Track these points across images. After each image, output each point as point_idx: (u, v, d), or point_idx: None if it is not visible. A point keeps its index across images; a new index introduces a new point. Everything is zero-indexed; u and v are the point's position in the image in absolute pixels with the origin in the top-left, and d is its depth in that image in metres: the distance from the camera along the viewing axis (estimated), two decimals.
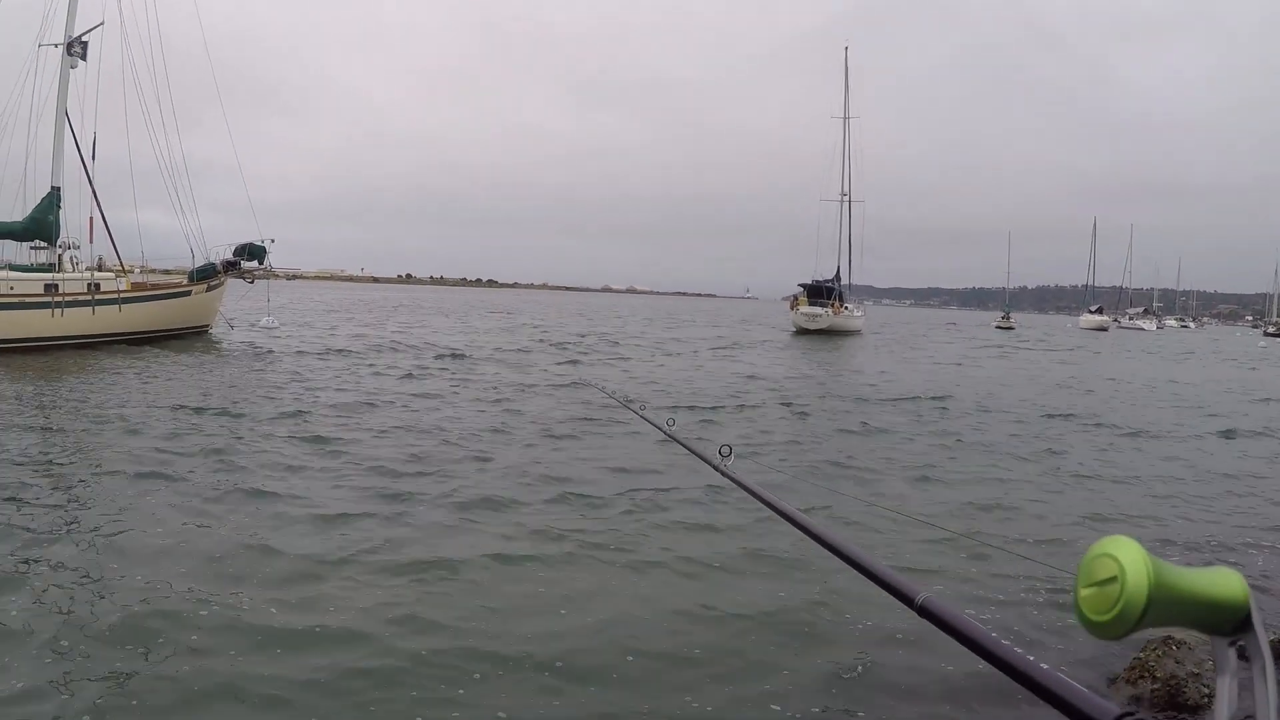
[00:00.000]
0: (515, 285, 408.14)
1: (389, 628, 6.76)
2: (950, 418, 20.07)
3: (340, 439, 14.20)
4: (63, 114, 31.27)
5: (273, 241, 37.62)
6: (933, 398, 23.33)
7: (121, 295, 31.28)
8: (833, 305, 61.99)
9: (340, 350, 31.33)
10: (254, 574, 7.78)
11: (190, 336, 34.14)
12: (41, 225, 30.90)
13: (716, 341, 49.34)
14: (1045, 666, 1.20)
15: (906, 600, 1.57)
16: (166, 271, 38.61)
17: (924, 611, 1.50)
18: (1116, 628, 0.84)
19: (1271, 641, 0.89)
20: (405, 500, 10.54)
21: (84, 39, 31.67)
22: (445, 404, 19.04)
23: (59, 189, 31.35)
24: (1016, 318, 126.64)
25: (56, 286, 29.05)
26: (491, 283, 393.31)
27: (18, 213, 31.05)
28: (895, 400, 22.77)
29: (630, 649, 6.57)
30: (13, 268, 29.73)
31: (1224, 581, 0.87)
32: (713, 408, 20.13)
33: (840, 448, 15.76)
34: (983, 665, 1.33)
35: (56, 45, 31.32)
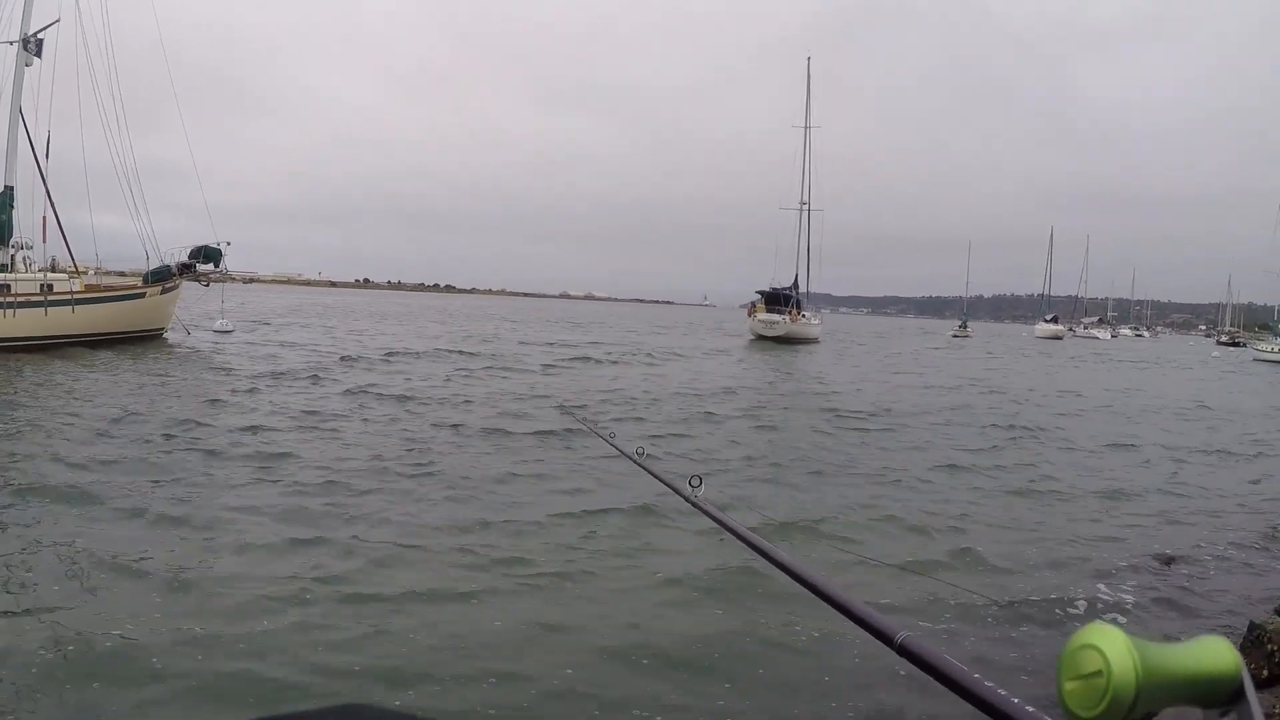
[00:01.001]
0: (473, 290, 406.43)
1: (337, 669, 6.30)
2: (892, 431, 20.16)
3: (287, 454, 13.67)
4: (17, 112, 30.85)
5: (228, 244, 37.28)
6: (883, 411, 23.36)
7: (75, 296, 30.77)
8: (790, 313, 62.15)
9: (286, 370, 30.71)
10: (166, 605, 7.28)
11: (145, 339, 33.71)
12: None
13: (673, 348, 49.53)
14: (1030, 708, 1.16)
15: (886, 640, 1.52)
16: (121, 274, 38.11)
17: (903, 650, 1.46)
18: None
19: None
20: (350, 523, 10.00)
21: (39, 36, 31.23)
22: (391, 422, 18.54)
23: (12, 188, 30.90)
24: (973, 326, 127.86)
25: (9, 287, 28.65)
26: (449, 288, 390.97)
27: None
28: (855, 413, 22.84)
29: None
30: None
31: (1213, 653, 0.85)
32: (679, 419, 20.00)
33: (805, 458, 15.77)
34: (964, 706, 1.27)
35: (11, 42, 30.87)
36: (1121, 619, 7.66)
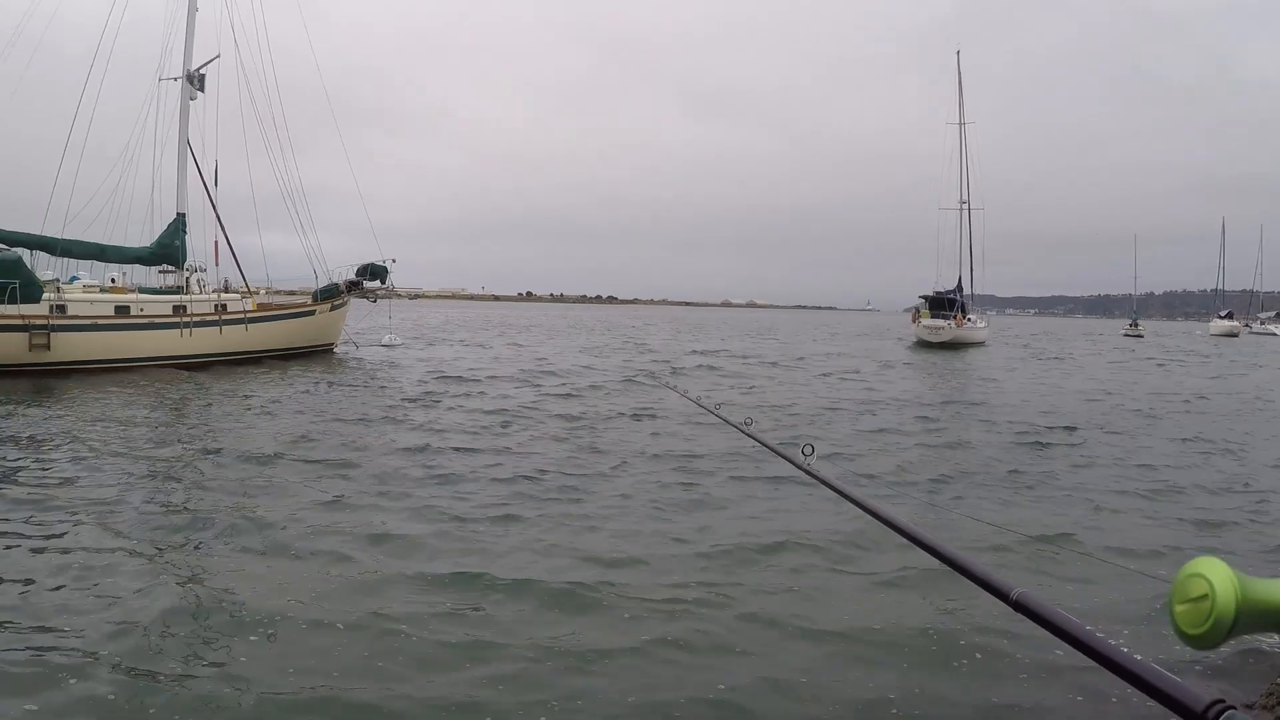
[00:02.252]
0: (634, 301, 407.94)
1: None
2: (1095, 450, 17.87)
3: (461, 469, 13.23)
4: (184, 143, 31.89)
5: (394, 261, 37.95)
6: (1064, 427, 20.23)
7: (247, 315, 31.66)
8: (955, 317, 59.61)
9: (458, 376, 30.26)
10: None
11: (315, 354, 34.35)
12: (169, 250, 31.46)
13: (838, 354, 47.85)
14: (1139, 657, 1.19)
15: (1002, 595, 1.55)
16: (291, 292, 39.01)
17: (1019, 606, 1.48)
18: (1210, 640, 0.89)
19: None
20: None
21: (201, 71, 32.35)
22: (564, 435, 17.99)
23: (184, 215, 31.95)
24: (1144, 324, 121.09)
25: (185, 308, 29.54)
26: (611, 299, 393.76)
27: (146, 238, 31.73)
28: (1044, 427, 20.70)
29: None
30: (143, 290, 30.25)
31: None
32: (853, 432, 18.55)
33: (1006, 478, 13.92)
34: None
35: (176, 79, 32.02)
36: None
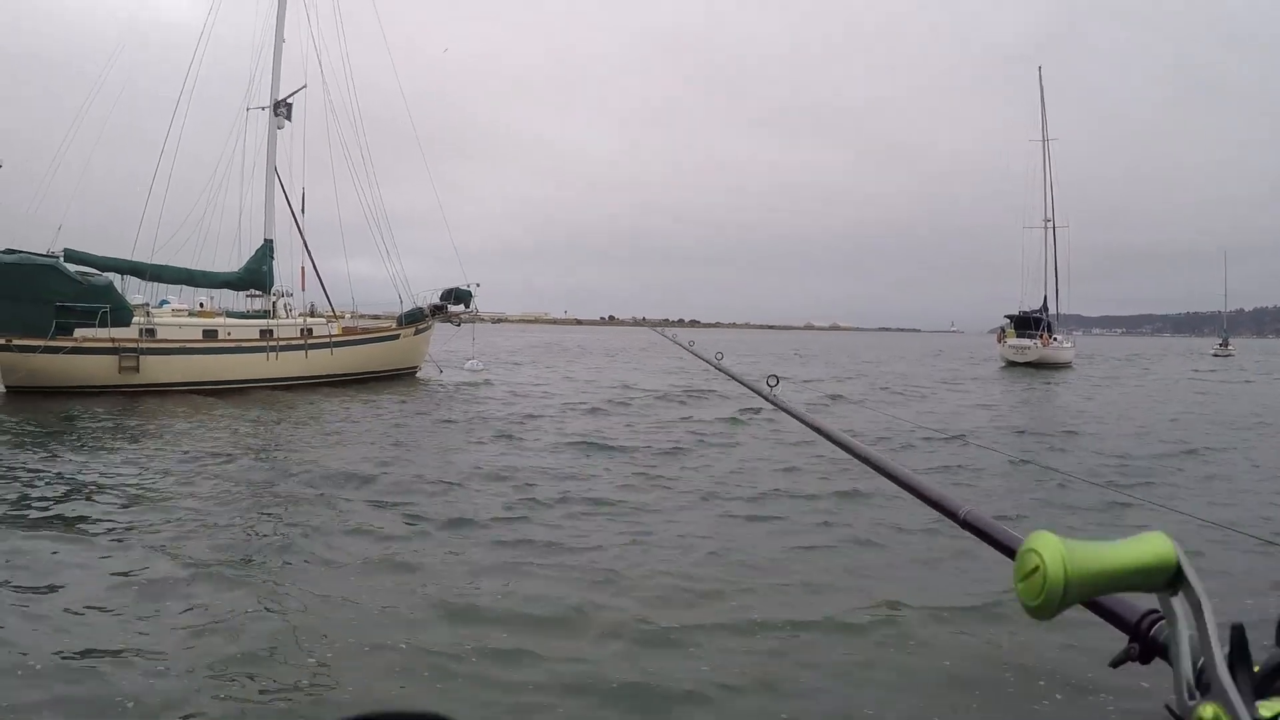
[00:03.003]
0: (716, 324, 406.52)
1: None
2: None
3: (548, 494, 12.65)
4: (272, 171, 32.47)
5: (478, 286, 37.90)
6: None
7: (333, 339, 31.84)
8: (1041, 337, 58.17)
9: (538, 400, 29.74)
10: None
11: (399, 378, 34.41)
12: (256, 275, 32.04)
13: (924, 378, 46.70)
14: None
15: (950, 514, 1.56)
16: (375, 316, 39.22)
17: (966, 524, 1.50)
18: (1047, 610, 0.90)
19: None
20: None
21: (288, 101, 32.88)
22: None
23: (271, 241, 32.47)
24: (1235, 343, 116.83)
25: (272, 332, 29.87)
26: (694, 323, 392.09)
27: (234, 264, 32.27)
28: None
29: None
30: (231, 315, 30.66)
31: (1149, 545, 0.93)
32: (946, 461, 16.79)
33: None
34: None
35: (263, 108, 32.60)
36: None
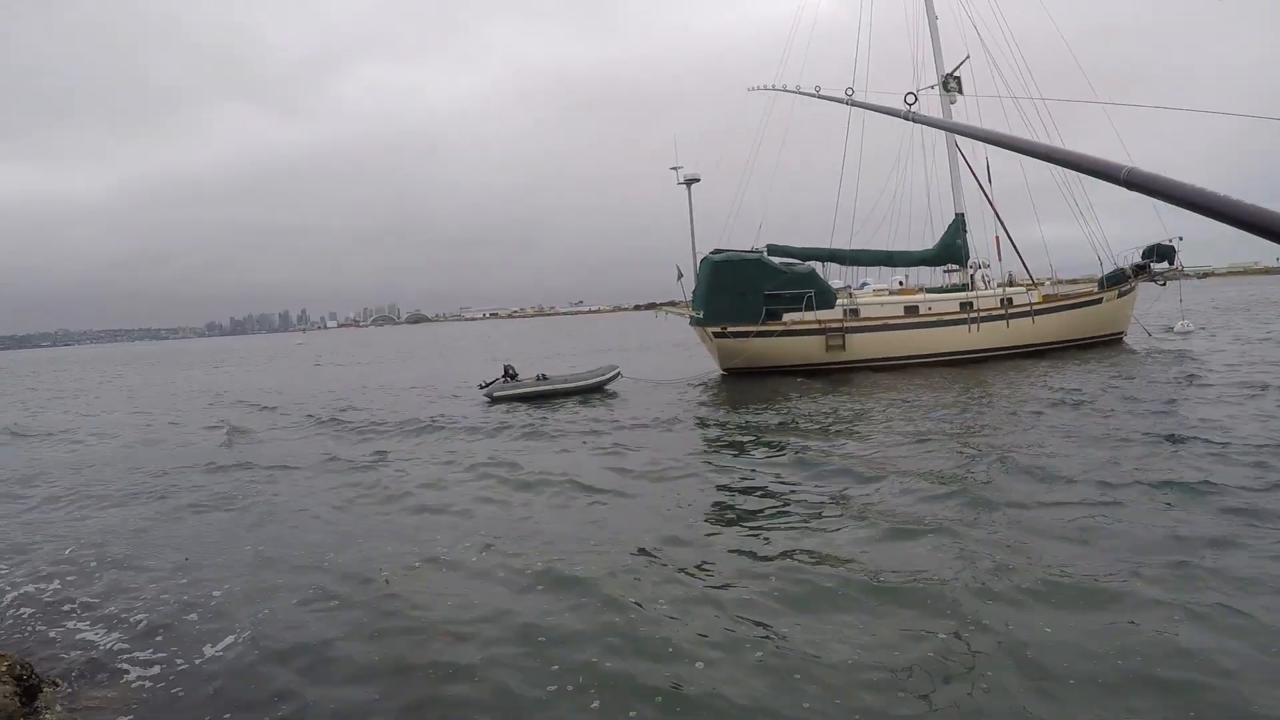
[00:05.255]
0: None
1: None
2: None
3: None
4: (954, 146, 31.81)
5: (1180, 239, 33.72)
6: None
7: (1033, 307, 30.47)
8: None
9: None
10: None
11: (1102, 345, 31.94)
12: (951, 249, 31.78)
13: None
14: (1248, 202, 1.20)
15: (1112, 176, 1.55)
16: (1073, 281, 36.82)
17: (1130, 183, 1.47)
18: None
19: None
20: None
21: (956, 75, 32.01)
22: None
23: (962, 215, 31.81)
24: None
25: (971, 304, 29.44)
26: None
27: (927, 240, 32.38)
28: None
29: None
30: (928, 290, 30.59)
31: None
32: None
33: None
34: None
35: (932, 87, 32.09)
36: None
